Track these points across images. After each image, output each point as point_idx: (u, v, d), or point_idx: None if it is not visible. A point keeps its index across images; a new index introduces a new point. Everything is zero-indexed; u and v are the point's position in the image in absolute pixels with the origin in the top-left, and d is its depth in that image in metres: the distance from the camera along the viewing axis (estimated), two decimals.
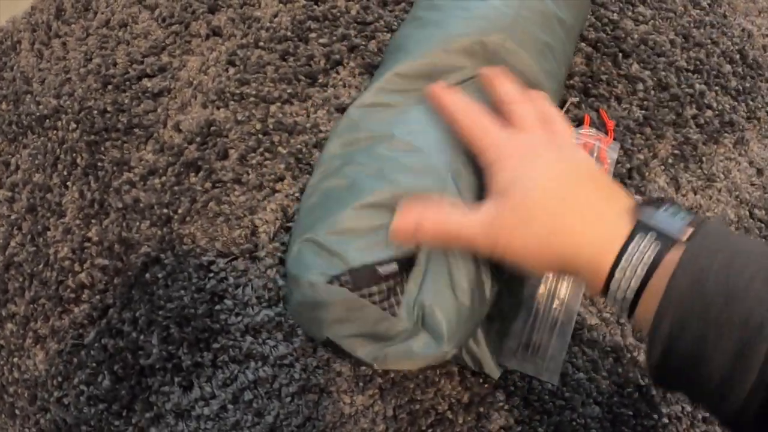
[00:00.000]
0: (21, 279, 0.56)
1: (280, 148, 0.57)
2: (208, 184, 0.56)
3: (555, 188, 0.32)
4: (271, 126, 0.58)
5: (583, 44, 0.63)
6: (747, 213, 0.59)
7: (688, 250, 0.28)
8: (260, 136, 0.57)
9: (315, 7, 0.63)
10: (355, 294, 0.37)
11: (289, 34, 0.62)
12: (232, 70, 0.61)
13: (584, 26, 0.58)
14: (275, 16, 0.63)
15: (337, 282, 0.37)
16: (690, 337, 0.27)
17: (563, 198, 0.32)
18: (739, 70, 0.65)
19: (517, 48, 0.46)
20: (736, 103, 0.63)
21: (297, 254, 0.40)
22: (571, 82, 0.61)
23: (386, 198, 0.39)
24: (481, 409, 0.50)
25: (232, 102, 0.59)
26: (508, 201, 0.33)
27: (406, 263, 0.38)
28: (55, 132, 0.60)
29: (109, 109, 0.60)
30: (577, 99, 0.61)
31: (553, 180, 0.32)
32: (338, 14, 0.62)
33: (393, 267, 0.38)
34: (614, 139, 0.59)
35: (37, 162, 0.60)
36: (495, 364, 0.49)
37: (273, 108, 0.59)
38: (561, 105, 0.60)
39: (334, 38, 0.61)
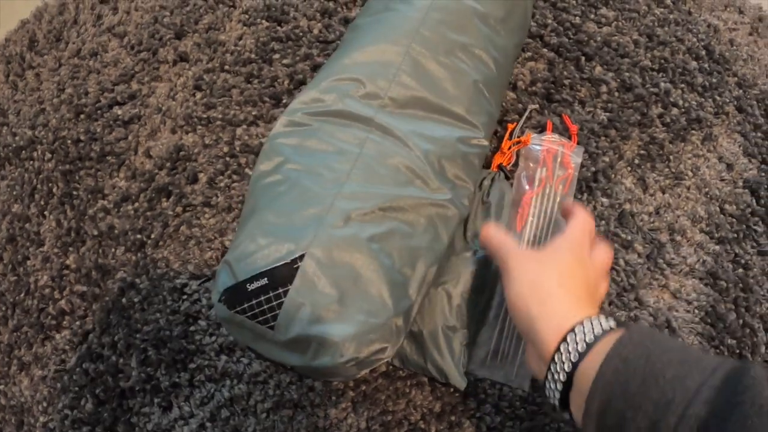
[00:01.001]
0: (4, 308, 0.58)
1: (247, 170, 0.58)
2: (179, 209, 0.58)
3: (545, 276, 0.40)
4: (237, 148, 0.59)
5: (545, 50, 0.64)
6: (717, 209, 0.59)
7: (620, 342, 0.33)
8: (228, 158, 0.59)
9: (278, 28, 0.64)
10: (231, 311, 0.40)
11: (253, 56, 0.63)
12: (198, 95, 0.62)
13: (528, 15, 0.57)
14: (239, 39, 0.64)
15: (222, 300, 0.41)
16: (614, 415, 0.32)
17: (549, 280, 0.39)
18: (706, 66, 0.65)
19: (422, 50, 0.47)
20: (702, 100, 0.63)
21: (217, 276, 0.43)
22: (534, 88, 0.62)
23: (273, 222, 0.42)
24: (453, 418, 0.51)
25: (199, 126, 0.60)
26: (531, 257, 0.42)
27: (280, 278, 0.40)
28: (31, 162, 0.62)
29: (82, 138, 0.62)
30: (537, 105, 0.61)
31: (545, 273, 0.40)
32: (300, 34, 0.63)
33: (263, 281, 0.40)
34: (578, 143, 0.59)
35: (15, 193, 0.61)
36: (460, 374, 0.50)
37: (239, 130, 0.60)
38: (521, 111, 0.61)
39: (297, 58, 0.62)
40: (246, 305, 0.40)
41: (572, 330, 0.35)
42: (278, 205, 0.42)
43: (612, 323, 0.36)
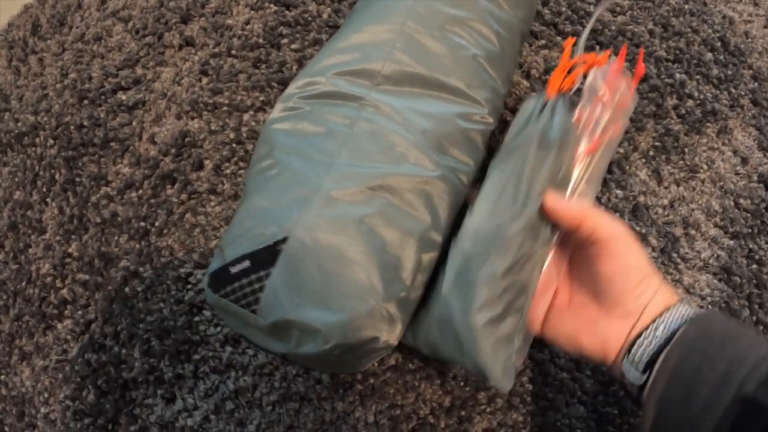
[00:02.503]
0: (5, 297, 0.57)
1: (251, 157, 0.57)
2: (184, 196, 0.56)
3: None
4: (244, 135, 0.58)
5: (559, 38, 0.62)
6: (732, 203, 0.59)
7: (703, 314, 0.39)
8: (234, 145, 0.57)
9: (286, 12, 0.63)
10: (216, 295, 0.40)
11: (261, 41, 0.61)
12: (205, 80, 0.60)
13: None
14: (247, 23, 0.63)
15: (209, 284, 0.41)
16: (689, 369, 0.36)
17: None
18: (721, 57, 0.64)
19: (416, 26, 0.46)
20: (718, 92, 0.62)
21: (212, 261, 0.42)
22: (547, 76, 0.60)
23: (261, 205, 0.41)
24: (463, 413, 0.50)
25: (205, 112, 0.59)
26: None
27: (262, 260, 0.39)
28: (33, 149, 0.61)
29: (85, 123, 0.60)
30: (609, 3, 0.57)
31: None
32: (310, 18, 0.62)
33: (245, 264, 0.39)
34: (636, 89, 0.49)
35: (17, 179, 0.60)
36: (504, 373, 0.40)
37: (246, 116, 0.58)
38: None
39: (306, 43, 0.61)
40: (229, 288, 0.39)
41: (682, 299, 0.41)
42: (267, 189, 0.41)
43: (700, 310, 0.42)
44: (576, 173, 0.43)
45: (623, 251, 0.40)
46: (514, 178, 0.41)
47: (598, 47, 0.62)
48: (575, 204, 0.41)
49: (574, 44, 0.46)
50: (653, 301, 0.40)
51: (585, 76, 0.44)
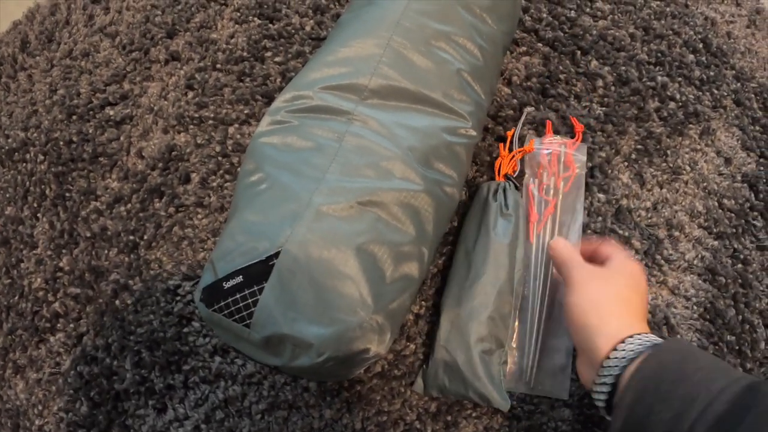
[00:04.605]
0: None
1: (239, 170, 0.57)
2: (171, 209, 0.57)
3: (606, 295, 0.45)
4: (230, 148, 0.58)
5: (540, 44, 0.63)
6: (716, 204, 0.59)
7: (659, 347, 0.39)
8: (220, 158, 0.58)
9: (270, 25, 0.63)
10: (209, 310, 0.40)
11: (245, 54, 0.62)
12: (190, 94, 0.61)
13: (518, 1, 0.56)
14: (231, 37, 0.63)
15: (201, 299, 0.41)
16: (643, 407, 0.36)
17: (609, 299, 0.44)
18: (703, 59, 0.64)
19: (403, 41, 0.46)
20: (700, 93, 0.63)
21: (202, 275, 0.42)
22: (529, 83, 0.61)
23: (252, 220, 0.41)
24: (449, 418, 0.51)
25: (191, 126, 0.60)
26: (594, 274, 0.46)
27: (255, 275, 0.39)
28: (24, 165, 0.62)
29: (74, 139, 0.61)
30: (533, 108, 0.60)
31: (606, 292, 0.45)
32: (293, 31, 0.63)
33: (238, 279, 0.39)
34: (582, 141, 0.58)
35: (8, 195, 0.61)
36: (502, 397, 0.49)
37: (231, 129, 0.59)
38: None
39: (290, 55, 0.62)
40: (222, 303, 0.40)
41: (623, 341, 0.40)
42: (257, 204, 0.42)
43: (659, 340, 0.41)
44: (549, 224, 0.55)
45: (569, 291, 0.45)
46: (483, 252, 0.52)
47: (579, 52, 0.63)
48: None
49: (512, 136, 0.58)
50: (604, 337, 0.41)
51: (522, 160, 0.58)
